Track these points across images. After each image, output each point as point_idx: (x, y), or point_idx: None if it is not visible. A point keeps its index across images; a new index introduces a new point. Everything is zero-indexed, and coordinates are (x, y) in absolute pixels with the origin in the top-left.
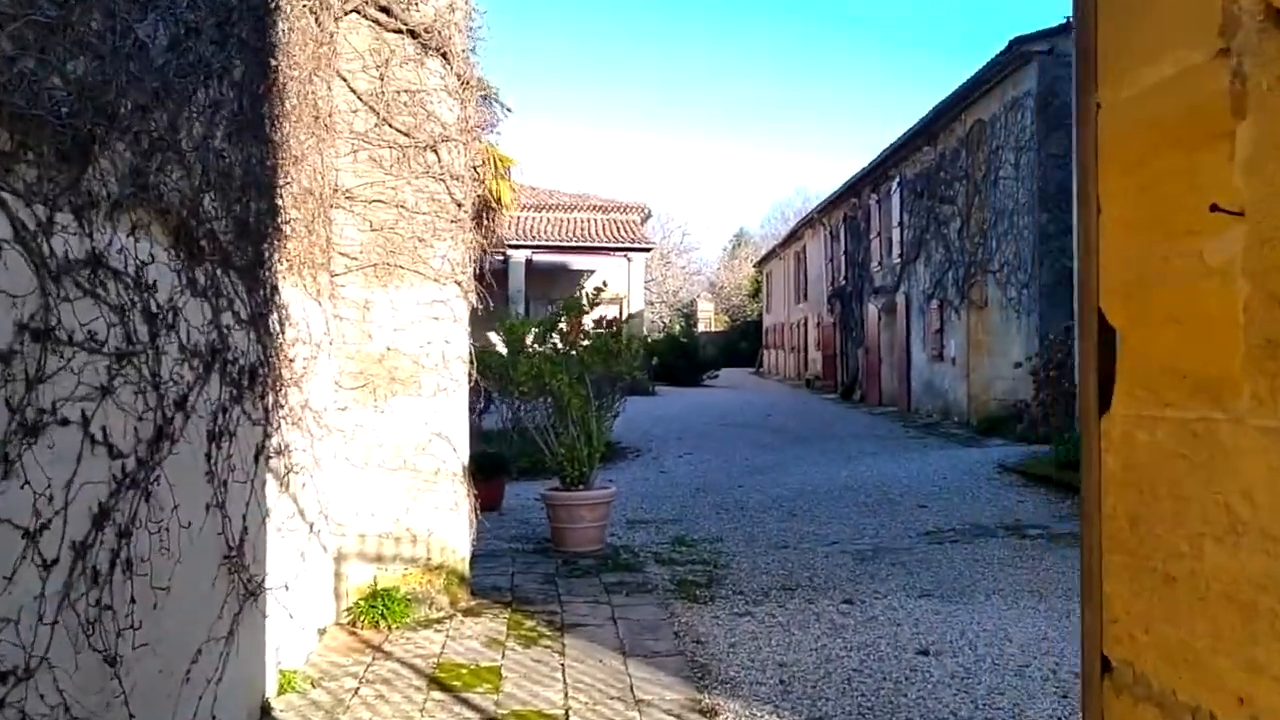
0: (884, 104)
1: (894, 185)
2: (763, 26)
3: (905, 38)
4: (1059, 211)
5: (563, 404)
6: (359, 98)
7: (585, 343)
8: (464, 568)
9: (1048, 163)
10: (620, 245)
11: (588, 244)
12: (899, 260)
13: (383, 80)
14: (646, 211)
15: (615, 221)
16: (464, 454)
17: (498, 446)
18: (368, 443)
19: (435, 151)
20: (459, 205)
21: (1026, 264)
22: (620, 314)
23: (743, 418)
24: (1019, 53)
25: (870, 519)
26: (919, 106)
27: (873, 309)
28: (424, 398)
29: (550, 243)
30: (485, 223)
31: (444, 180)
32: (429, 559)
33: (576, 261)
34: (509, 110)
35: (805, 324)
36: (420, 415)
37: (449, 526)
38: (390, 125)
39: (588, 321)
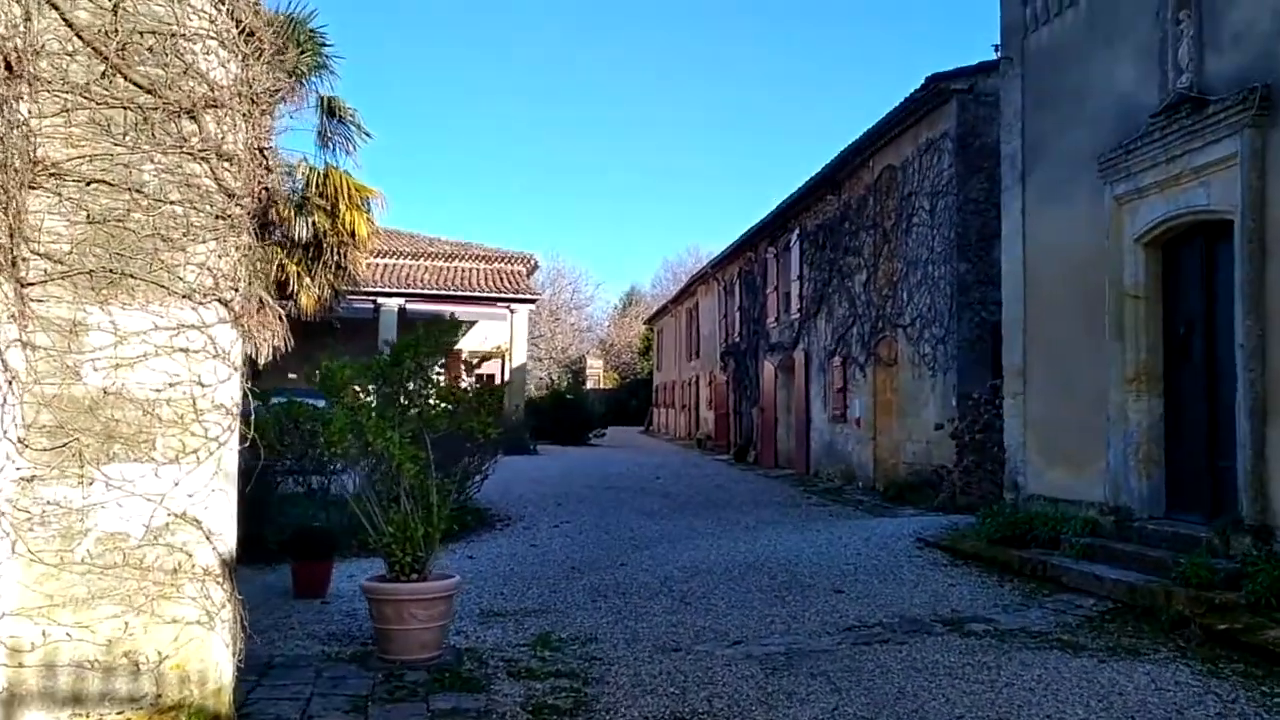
0: (786, 160)
1: (793, 238)
2: (661, 82)
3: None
4: (979, 260)
5: (392, 470)
6: (77, 33)
7: (427, 392)
8: (221, 702)
9: (967, 207)
10: (503, 296)
11: (468, 293)
12: (798, 315)
13: (116, 13)
14: (533, 263)
15: (500, 272)
16: (225, 543)
17: (341, 515)
18: (66, 529)
19: (195, 119)
20: (231, 197)
21: (943, 317)
22: (503, 368)
23: (630, 480)
24: (936, 90)
25: (778, 607)
26: (822, 159)
27: (769, 366)
28: (160, 463)
29: (427, 291)
30: (335, 258)
31: (208, 160)
32: (161, 695)
33: (456, 312)
34: (368, 135)
35: (697, 382)
36: (153, 488)
37: (196, 647)
38: (125, 77)
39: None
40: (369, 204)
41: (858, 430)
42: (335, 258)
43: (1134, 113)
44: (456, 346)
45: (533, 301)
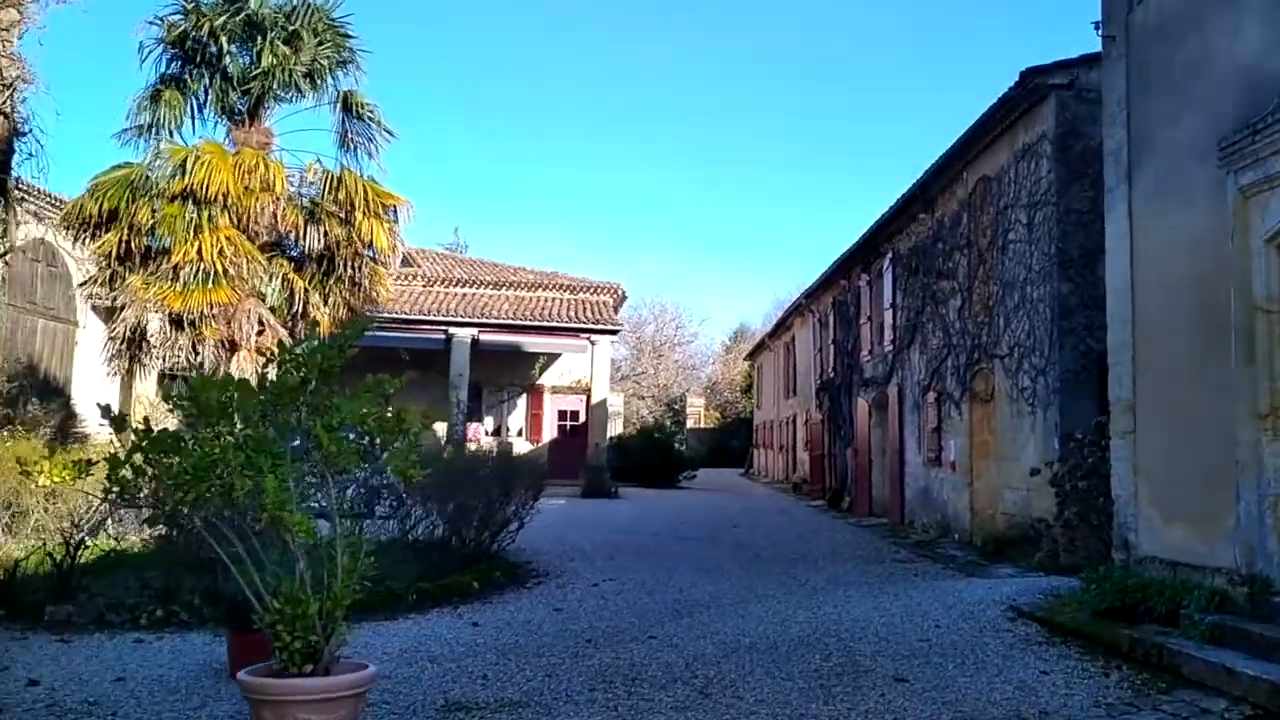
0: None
1: (886, 262)
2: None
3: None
4: (1083, 280)
5: (274, 522)
6: None
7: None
8: None
9: (1068, 219)
10: (582, 327)
11: (544, 324)
12: (891, 347)
13: None
14: (620, 293)
15: (584, 303)
16: None
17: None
18: None
19: None
20: None
21: (1042, 345)
22: (587, 403)
23: (704, 529)
24: (1032, 86)
25: (819, 704)
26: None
27: (863, 404)
28: None
29: (502, 321)
30: (350, 273)
31: None
32: None
33: (532, 343)
34: (390, 134)
35: (794, 421)
36: None
37: None
38: None
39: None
40: (394, 213)
41: (953, 475)
42: (351, 272)
43: (1262, 85)
44: (539, 380)
45: (614, 332)
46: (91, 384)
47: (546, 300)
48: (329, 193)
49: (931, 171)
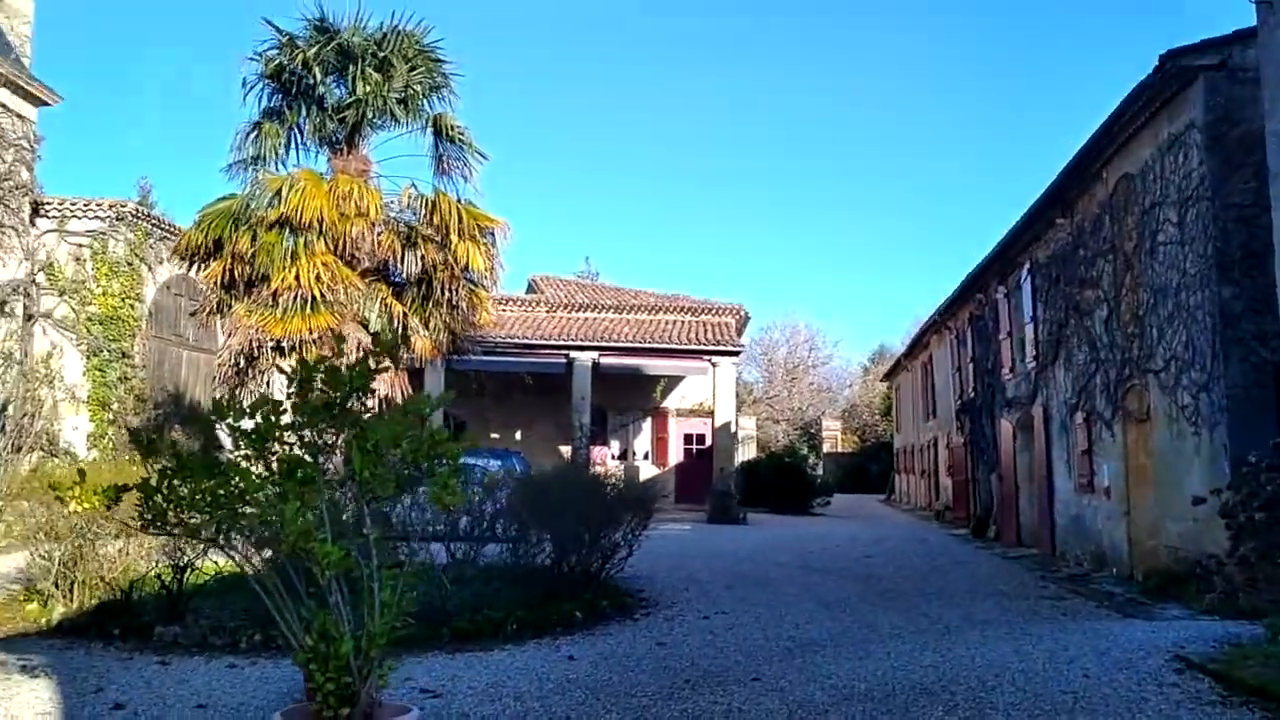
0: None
1: (1024, 273)
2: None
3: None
4: (1250, 282)
5: (293, 550)
6: None
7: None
8: None
9: (1227, 215)
10: (703, 349)
11: (664, 346)
12: (1034, 364)
13: None
14: (743, 315)
15: (706, 324)
16: None
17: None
18: None
19: None
20: None
21: (1203, 357)
22: (713, 426)
23: (833, 559)
24: (1174, 72)
25: None
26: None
27: (1006, 425)
28: None
29: (623, 344)
30: (448, 296)
31: None
32: None
33: (653, 366)
34: (483, 157)
35: (935, 444)
36: None
37: None
38: None
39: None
40: (491, 235)
41: (1107, 502)
42: (449, 296)
43: None
44: (662, 404)
45: (736, 354)
46: None
47: (668, 323)
48: (424, 217)
49: (1066, 173)
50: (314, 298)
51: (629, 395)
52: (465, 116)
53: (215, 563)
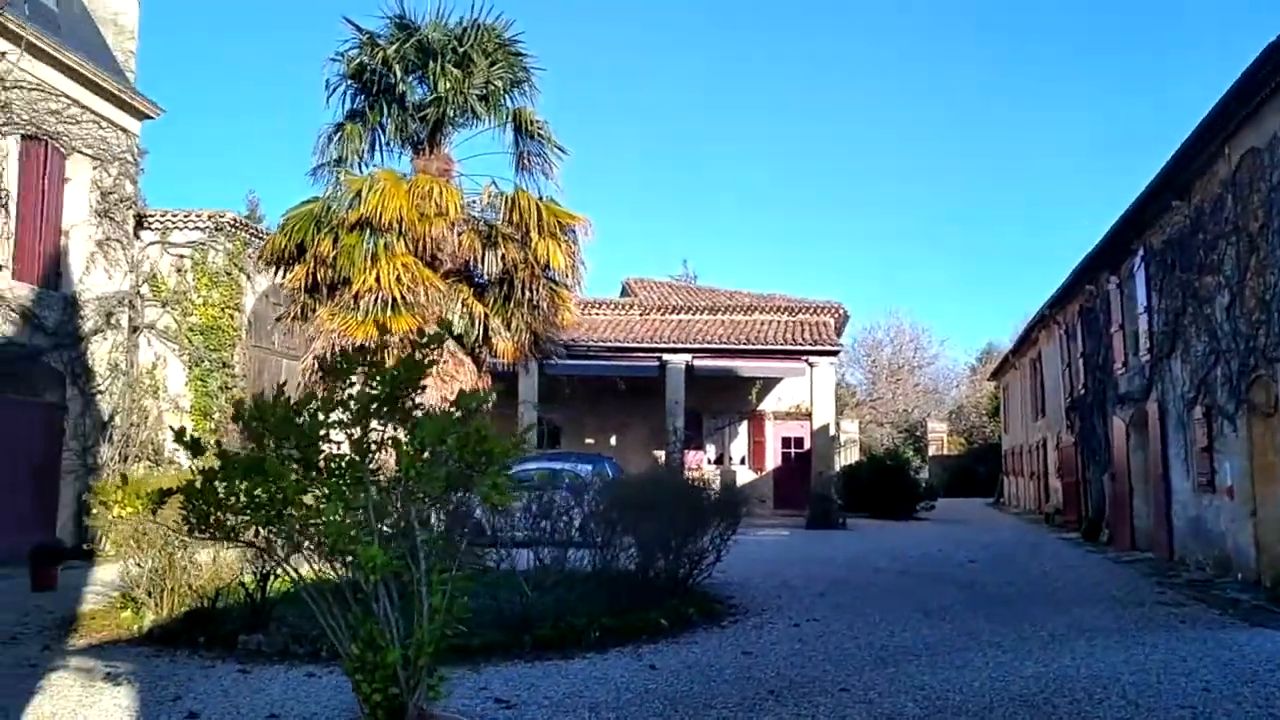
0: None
1: (1136, 261)
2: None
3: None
4: None
5: (353, 561)
6: None
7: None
8: None
9: None
10: (798, 349)
11: (759, 347)
12: (1148, 357)
13: None
14: (841, 313)
15: (802, 324)
16: None
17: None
18: None
19: None
20: None
21: None
22: (810, 429)
23: (934, 565)
24: None
25: None
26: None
27: (1118, 423)
28: None
29: (716, 346)
30: (529, 296)
31: None
32: None
33: (747, 367)
34: (563, 151)
35: (1044, 445)
36: None
37: None
38: None
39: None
40: (572, 233)
41: (1230, 503)
42: (530, 295)
43: None
44: (758, 407)
45: (834, 354)
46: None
47: (763, 323)
48: (504, 215)
49: (1184, 151)
50: (395, 300)
51: (724, 398)
52: (550, 112)
53: (308, 570)
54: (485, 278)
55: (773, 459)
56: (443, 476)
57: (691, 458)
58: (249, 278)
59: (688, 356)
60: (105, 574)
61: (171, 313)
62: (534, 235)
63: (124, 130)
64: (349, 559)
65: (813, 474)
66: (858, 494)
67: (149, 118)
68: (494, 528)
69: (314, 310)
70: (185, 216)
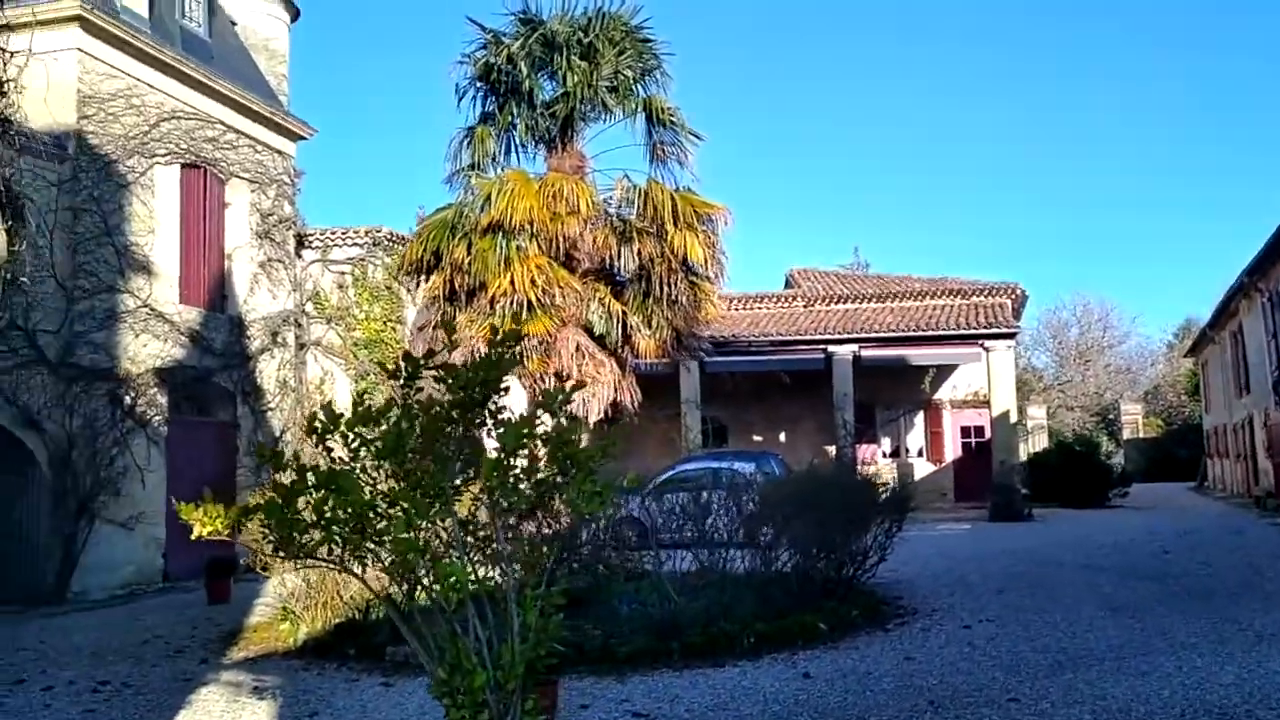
0: None
1: None
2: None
3: None
4: None
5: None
6: None
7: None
8: None
9: None
10: (972, 333)
11: (930, 333)
12: None
13: None
14: (1020, 294)
15: (977, 307)
16: None
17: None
18: None
19: None
20: None
21: None
22: (990, 416)
23: (1124, 556)
24: None
25: None
26: None
27: None
28: None
29: (884, 334)
30: (666, 291)
31: None
32: None
33: (918, 355)
34: (697, 138)
35: (1250, 423)
36: None
37: None
38: None
39: None
40: (710, 223)
41: None
42: (668, 290)
43: None
44: (933, 396)
45: (1011, 336)
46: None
47: (934, 308)
48: (638, 208)
49: None
50: (530, 302)
51: (896, 389)
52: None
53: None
54: (623, 275)
55: (951, 450)
56: (524, 486)
57: (864, 452)
58: (408, 290)
59: (854, 347)
60: (278, 586)
61: (336, 328)
62: (669, 228)
63: (279, 153)
64: (429, 577)
65: (994, 464)
66: (1045, 483)
67: (303, 138)
68: (651, 529)
69: (454, 318)
70: (344, 234)
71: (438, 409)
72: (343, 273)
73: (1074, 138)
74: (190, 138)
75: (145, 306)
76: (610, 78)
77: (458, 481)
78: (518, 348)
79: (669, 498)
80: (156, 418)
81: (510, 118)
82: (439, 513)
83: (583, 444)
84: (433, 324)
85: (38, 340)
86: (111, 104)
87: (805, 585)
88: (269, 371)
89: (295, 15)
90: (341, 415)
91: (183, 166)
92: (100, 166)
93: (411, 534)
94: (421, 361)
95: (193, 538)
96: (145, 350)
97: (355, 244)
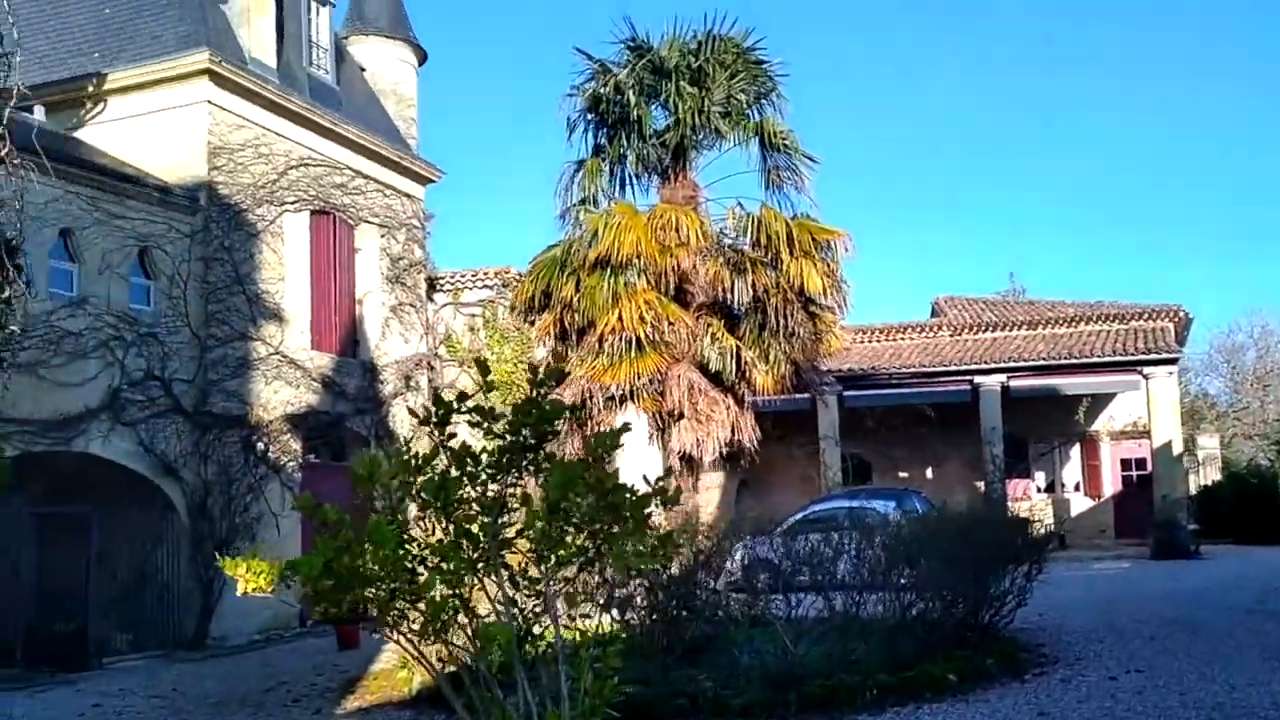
0: None
1: None
2: None
3: None
4: None
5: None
6: None
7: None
8: None
9: None
10: (1129, 359)
11: (1080, 361)
12: None
13: None
14: (1184, 316)
15: (1136, 332)
16: None
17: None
18: None
19: None
20: None
21: None
22: (1150, 447)
23: None
24: None
25: None
26: None
27: None
28: None
29: (1034, 363)
30: (782, 323)
31: None
32: None
33: (1070, 385)
34: (813, 161)
35: None
36: None
37: None
38: None
39: None
40: (830, 250)
41: None
42: (784, 322)
43: None
44: (1089, 428)
45: (1173, 362)
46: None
47: (1089, 334)
48: (751, 236)
49: None
50: (638, 339)
51: (1048, 420)
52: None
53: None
54: (738, 308)
55: (1110, 484)
56: (570, 537)
57: (1016, 487)
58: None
59: (1002, 377)
60: None
61: (468, 371)
62: (785, 256)
63: (409, 196)
64: (472, 634)
65: (1156, 497)
66: (1217, 518)
67: (432, 181)
68: (779, 573)
69: (565, 357)
70: (474, 276)
71: (485, 454)
72: (473, 315)
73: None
74: (319, 184)
75: (277, 353)
76: (723, 102)
77: (510, 533)
78: (637, 384)
79: (801, 539)
80: (290, 463)
81: (620, 149)
82: (488, 567)
83: (699, 486)
84: (545, 364)
85: (174, 389)
86: (241, 154)
87: (936, 632)
88: (402, 415)
89: (423, 58)
90: (380, 464)
91: (312, 213)
92: (230, 216)
93: (449, 592)
94: (454, 404)
95: (238, 594)
96: (277, 396)
97: (485, 286)
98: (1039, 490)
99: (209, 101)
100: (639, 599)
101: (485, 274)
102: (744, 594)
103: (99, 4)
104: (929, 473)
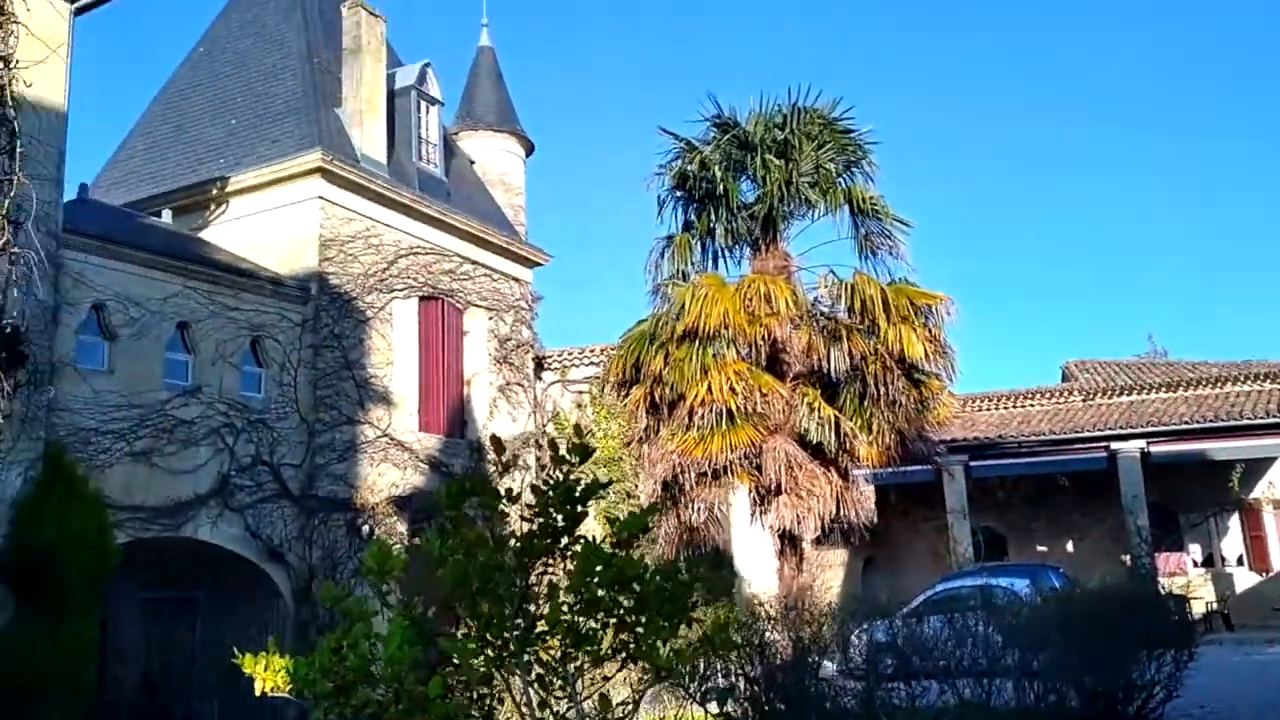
0: None
1: None
2: None
3: None
4: None
5: None
6: None
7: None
8: None
9: None
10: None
11: (1228, 424)
12: None
13: None
14: None
15: None
16: None
17: None
18: None
19: None
20: None
21: None
22: None
23: None
24: None
25: None
26: None
27: None
28: None
29: (1175, 427)
30: (883, 391)
31: None
32: None
33: (1219, 449)
34: (906, 225)
35: None
36: None
37: None
38: None
39: None
40: (931, 314)
41: None
42: (884, 390)
43: None
44: (1251, 496)
45: None
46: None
47: (1237, 395)
48: (845, 303)
49: None
50: (729, 411)
51: (1199, 488)
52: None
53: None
54: (835, 377)
55: (1279, 556)
56: (597, 636)
57: (1168, 561)
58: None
59: (1141, 442)
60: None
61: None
62: (881, 322)
63: (516, 280)
64: None
65: None
66: None
67: (539, 264)
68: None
69: (656, 431)
70: (580, 353)
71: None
72: (580, 392)
73: None
74: (428, 271)
75: (385, 436)
76: (811, 173)
77: (539, 628)
78: (731, 457)
79: (926, 620)
80: (395, 546)
81: (709, 223)
82: (512, 664)
83: (814, 565)
84: (637, 438)
85: (282, 474)
86: (351, 245)
87: None
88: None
89: (530, 150)
90: (390, 556)
91: (421, 299)
92: (340, 304)
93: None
94: (466, 485)
95: (257, 694)
96: (383, 479)
97: (592, 363)
98: (1195, 564)
99: (320, 197)
100: (741, 686)
101: (591, 351)
102: (861, 682)
103: (228, 117)
104: (1069, 546)
